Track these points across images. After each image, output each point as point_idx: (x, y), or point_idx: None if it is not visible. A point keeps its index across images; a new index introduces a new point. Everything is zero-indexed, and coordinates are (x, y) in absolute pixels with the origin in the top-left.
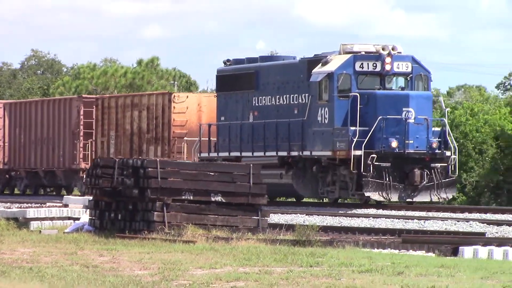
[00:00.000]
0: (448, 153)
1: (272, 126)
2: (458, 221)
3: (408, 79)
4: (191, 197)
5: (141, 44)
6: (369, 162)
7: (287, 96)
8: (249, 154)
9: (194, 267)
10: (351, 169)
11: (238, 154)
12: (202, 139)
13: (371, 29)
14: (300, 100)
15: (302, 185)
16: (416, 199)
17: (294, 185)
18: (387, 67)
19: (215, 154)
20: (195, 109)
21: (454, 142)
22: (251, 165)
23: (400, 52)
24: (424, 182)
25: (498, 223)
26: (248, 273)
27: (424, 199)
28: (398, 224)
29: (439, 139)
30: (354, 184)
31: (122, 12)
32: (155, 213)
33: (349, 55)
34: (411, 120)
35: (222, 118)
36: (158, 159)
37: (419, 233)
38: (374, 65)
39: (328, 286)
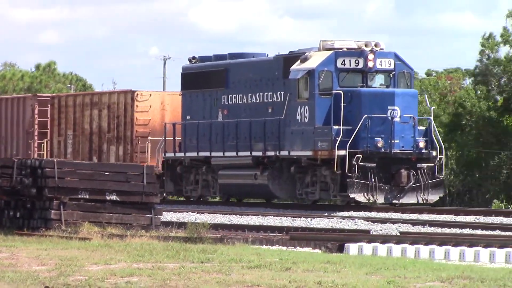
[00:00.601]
0: (434, 153)
1: (245, 125)
2: (343, 219)
3: (391, 76)
4: (87, 196)
5: (39, 49)
6: (354, 162)
7: (260, 94)
8: (220, 154)
9: (89, 263)
10: (335, 169)
11: (207, 154)
12: (167, 138)
13: (261, 35)
14: (275, 99)
15: (279, 187)
16: (402, 201)
17: (270, 186)
18: (370, 64)
19: (181, 154)
20: (158, 108)
21: (441, 141)
22: (145, 165)
23: (382, 49)
24: (411, 183)
25: (382, 221)
26: (141, 268)
27: (410, 201)
28: (286, 222)
29: (426, 139)
30: (337, 185)
31: (21, 18)
32: (52, 211)
33: (330, 52)
34: (397, 119)
35: (188, 117)
36: (55, 160)
37: (306, 230)
38: (357, 62)
39: (218, 282)
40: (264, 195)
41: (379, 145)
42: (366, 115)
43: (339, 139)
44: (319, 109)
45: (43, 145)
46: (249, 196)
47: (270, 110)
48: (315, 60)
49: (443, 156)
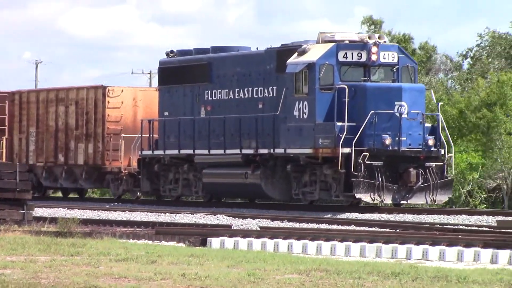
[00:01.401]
0: (442, 151)
1: (233, 121)
2: (206, 215)
3: (394, 70)
4: None
5: None
6: (360, 160)
7: (249, 89)
8: (204, 151)
9: None
10: (339, 168)
11: (190, 151)
12: (144, 135)
13: (129, 40)
14: (266, 94)
15: (272, 186)
16: (410, 201)
17: (263, 186)
18: (373, 57)
19: (160, 152)
20: (130, 104)
21: (450, 139)
22: (17, 163)
23: (385, 41)
24: (419, 183)
25: (243, 216)
26: (14, 261)
27: (419, 201)
28: (152, 217)
29: (434, 136)
30: (341, 185)
31: None
32: None
33: (331, 44)
34: (404, 115)
35: (166, 113)
36: None
37: (171, 225)
38: (359, 55)
39: (87, 274)
40: (255, 195)
41: (387, 142)
42: (373, 111)
43: (343, 136)
44: (319, 104)
45: (1, 143)
46: (238, 196)
47: (260, 106)
48: (315, 53)
49: (452, 155)
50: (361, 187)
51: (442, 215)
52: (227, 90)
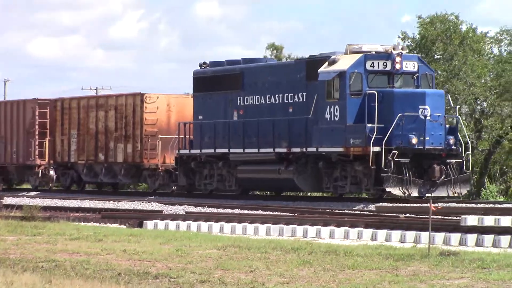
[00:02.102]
0: (460, 150)
1: (267, 124)
2: (143, 202)
3: (415, 78)
4: None
5: None
6: (389, 158)
7: (280, 95)
8: (239, 150)
9: None
10: (370, 164)
11: (225, 150)
12: (180, 136)
13: (80, 62)
14: (296, 99)
15: (304, 181)
16: (434, 194)
17: (295, 180)
18: (397, 66)
19: (197, 151)
20: (164, 109)
21: (468, 138)
22: None
23: (407, 52)
24: (442, 178)
25: (172, 203)
26: None
27: (441, 194)
28: (99, 204)
29: (453, 136)
30: (372, 179)
31: None
32: None
33: (359, 55)
34: (428, 117)
35: (200, 117)
36: None
37: (114, 211)
38: (384, 64)
39: (47, 250)
40: (287, 188)
41: (413, 141)
42: (400, 114)
43: (373, 136)
44: (350, 108)
45: (44, 144)
46: (271, 189)
47: (290, 110)
48: (345, 63)
49: (470, 153)
50: (391, 182)
51: (331, 202)
52: (258, 96)
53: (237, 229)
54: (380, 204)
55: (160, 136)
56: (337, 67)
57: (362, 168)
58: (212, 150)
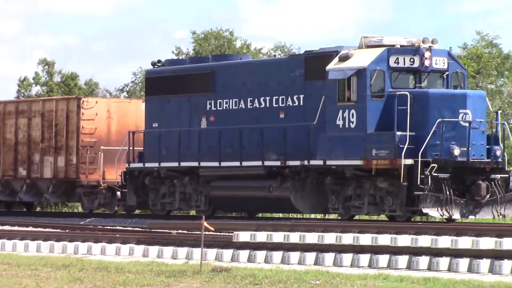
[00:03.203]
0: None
1: (252, 132)
2: None
3: (444, 76)
4: None
5: None
6: (427, 172)
7: (267, 98)
8: (213, 164)
9: None
10: (401, 181)
11: (194, 164)
12: (124, 148)
13: None
14: (290, 103)
15: (302, 200)
16: (478, 216)
17: (292, 199)
18: (426, 63)
19: (153, 164)
20: (104, 116)
21: None
22: None
23: (437, 46)
24: (488, 196)
25: None
26: None
27: (486, 216)
28: None
29: (499, 146)
30: (402, 198)
31: None
32: None
33: (382, 49)
34: (468, 124)
35: (155, 125)
36: None
37: None
38: (412, 60)
39: None
40: (281, 209)
41: (456, 153)
42: (440, 119)
43: (405, 146)
44: (371, 113)
45: None
46: (257, 210)
47: (282, 116)
48: (364, 58)
49: None
50: (428, 201)
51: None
52: (236, 99)
53: (7, 246)
54: (152, 220)
55: (102, 147)
56: (354, 63)
57: (387, 185)
58: (175, 164)
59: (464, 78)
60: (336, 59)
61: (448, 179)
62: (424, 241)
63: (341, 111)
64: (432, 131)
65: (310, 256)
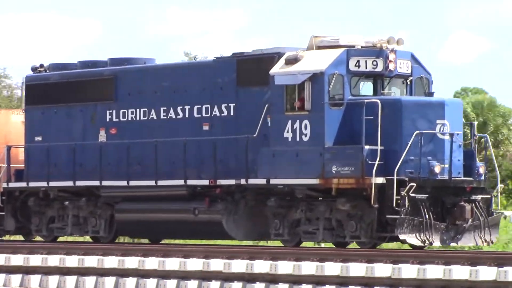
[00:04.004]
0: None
1: (171, 146)
2: None
3: (408, 82)
4: None
5: None
6: (403, 193)
7: (185, 107)
8: (120, 183)
9: None
10: (372, 202)
11: (94, 183)
12: (12, 165)
13: None
14: (217, 112)
15: (235, 224)
16: (461, 243)
17: (224, 224)
18: (391, 67)
19: (40, 184)
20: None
21: (496, 166)
22: None
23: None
24: (470, 220)
25: None
26: None
27: (468, 243)
28: None
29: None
30: (374, 223)
31: None
32: None
33: (340, 50)
34: (447, 137)
35: (39, 139)
36: None
37: None
38: (374, 63)
39: None
40: (208, 235)
41: (437, 170)
42: (417, 131)
43: (376, 162)
44: (329, 123)
45: None
46: (176, 236)
47: (206, 128)
48: (319, 60)
49: (501, 186)
50: (406, 226)
51: None
52: (145, 109)
53: None
54: None
55: None
56: (307, 66)
57: (349, 208)
58: (68, 183)
59: (429, 84)
60: (282, 61)
61: (426, 200)
62: (131, 262)
63: (290, 121)
64: (408, 145)
65: None
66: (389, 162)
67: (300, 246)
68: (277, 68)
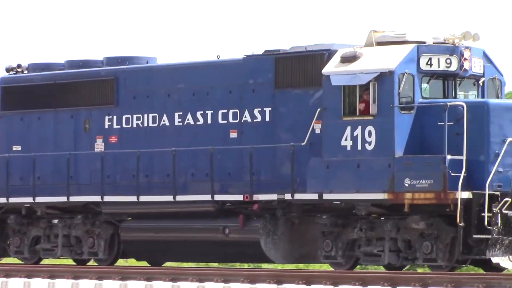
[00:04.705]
0: None
1: (193, 156)
2: None
3: (480, 84)
4: None
5: None
6: (496, 209)
7: (207, 113)
8: (128, 198)
9: None
10: (458, 221)
11: (95, 198)
12: None
13: None
14: (248, 118)
15: (274, 245)
16: None
17: (263, 245)
18: (466, 65)
19: (25, 199)
20: None
21: None
22: None
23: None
24: None
25: None
26: None
27: None
28: None
29: None
30: (459, 244)
31: None
32: None
33: (411, 46)
34: None
35: (17, 148)
36: None
37: None
38: (448, 61)
39: None
40: (241, 257)
41: None
42: (510, 139)
43: (461, 174)
44: (400, 130)
45: None
46: (202, 259)
47: (234, 135)
48: (387, 58)
49: None
50: (498, 247)
51: None
52: (155, 114)
53: None
54: None
55: None
56: (371, 65)
57: (424, 226)
58: (60, 198)
59: (501, 86)
60: (336, 60)
61: None
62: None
63: (349, 128)
64: (501, 155)
65: None
66: (473, 174)
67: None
68: (332, 67)
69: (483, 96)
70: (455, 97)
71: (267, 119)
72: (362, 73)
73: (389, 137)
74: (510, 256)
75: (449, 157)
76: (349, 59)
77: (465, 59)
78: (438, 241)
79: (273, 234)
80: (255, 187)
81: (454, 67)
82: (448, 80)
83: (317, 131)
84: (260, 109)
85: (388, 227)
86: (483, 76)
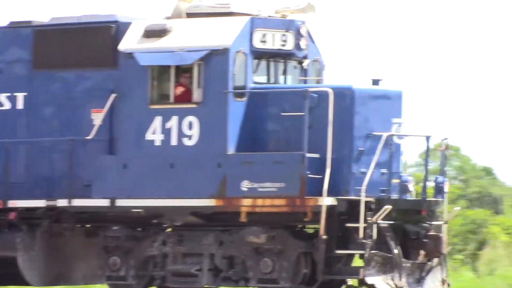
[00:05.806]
0: None
1: None
2: None
3: (304, 66)
4: None
5: None
6: (372, 219)
7: None
8: None
9: None
10: (321, 233)
11: None
12: None
13: None
14: (18, 105)
15: (32, 264)
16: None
17: (21, 263)
18: (302, 44)
19: None
20: None
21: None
22: None
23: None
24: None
25: None
26: None
27: (432, 286)
28: None
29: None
30: (320, 262)
31: None
32: None
33: (244, 19)
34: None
35: None
36: None
37: None
38: (284, 38)
39: None
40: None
41: (410, 188)
42: (387, 134)
43: (325, 176)
44: (233, 121)
45: None
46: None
47: (7, 129)
48: (216, 33)
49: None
50: (373, 265)
51: None
52: None
53: None
54: None
55: None
56: (195, 41)
57: (265, 240)
58: None
59: (322, 70)
60: (137, 33)
61: (389, 229)
62: None
63: (159, 118)
64: (377, 154)
65: None
66: (332, 176)
67: None
68: (134, 43)
69: (304, 82)
70: (282, 82)
71: (21, 106)
72: (183, 50)
73: (220, 130)
74: (384, 276)
75: (308, 155)
76: (156, 33)
77: (302, 36)
78: (282, 258)
79: (31, 249)
80: (12, 191)
81: (290, 45)
82: (276, 60)
83: (98, 121)
84: (10, 94)
85: (209, 241)
86: (307, 57)
